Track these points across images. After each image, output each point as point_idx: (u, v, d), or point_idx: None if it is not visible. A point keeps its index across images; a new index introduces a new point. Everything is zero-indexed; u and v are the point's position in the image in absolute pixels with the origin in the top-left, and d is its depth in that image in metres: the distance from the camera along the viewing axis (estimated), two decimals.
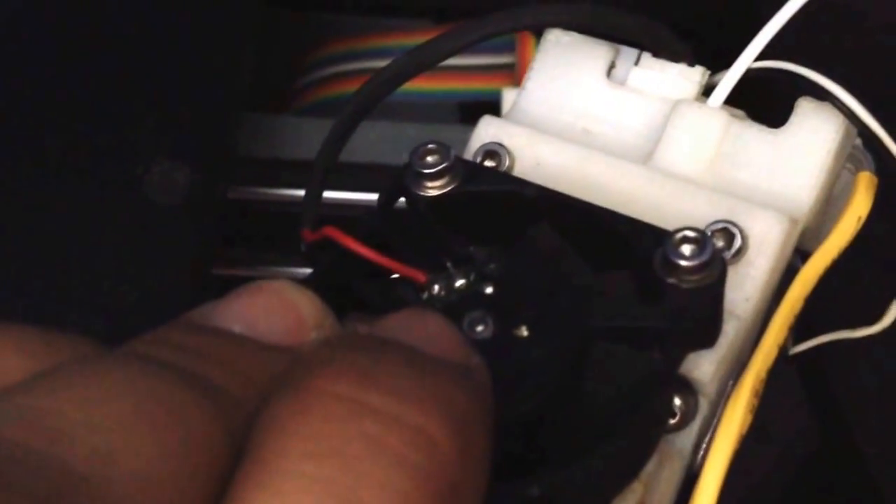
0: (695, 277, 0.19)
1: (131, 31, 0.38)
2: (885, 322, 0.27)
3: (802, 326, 0.31)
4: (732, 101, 0.26)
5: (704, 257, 0.19)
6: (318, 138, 0.25)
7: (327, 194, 0.26)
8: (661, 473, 0.21)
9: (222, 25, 0.40)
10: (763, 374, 0.22)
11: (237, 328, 0.15)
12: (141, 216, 0.35)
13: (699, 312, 0.20)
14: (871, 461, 0.35)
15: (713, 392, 0.22)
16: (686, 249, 0.19)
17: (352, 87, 0.44)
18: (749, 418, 0.22)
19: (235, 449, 0.13)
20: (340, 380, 0.13)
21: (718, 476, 0.21)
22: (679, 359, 0.20)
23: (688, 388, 0.22)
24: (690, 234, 0.20)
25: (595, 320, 0.19)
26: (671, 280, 0.19)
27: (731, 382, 0.23)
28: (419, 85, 0.45)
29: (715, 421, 0.22)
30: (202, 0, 0.40)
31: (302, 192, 0.30)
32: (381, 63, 0.44)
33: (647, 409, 0.18)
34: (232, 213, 0.42)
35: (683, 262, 0.19)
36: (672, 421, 0.22)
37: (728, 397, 0.22)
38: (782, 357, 0.30)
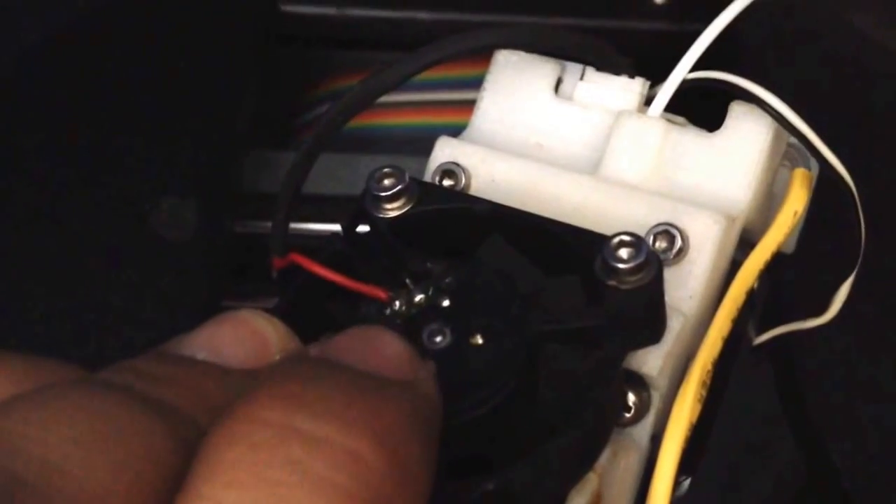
0: (633, 278, 0.21)
1: (140, 75, 0.40)
2: (831, 313, 0.28)
3: (772, 319, 0.32)
4: (680, 108, 0.28)
5: (640, 259, 0.21)
6: (321, 172, 0.26)
7: (317, 227, 0.27)
8: (618, 464, 0.22)
9: (226, 67, 0.42)
10: (709, 366, 0.23)
11: (201, 355, 0.16)
12: (150, 251, 0.37)
13: (638, 311, 0.21)
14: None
15: (664, 385, 0.23)
16: (623, 253, 0.21)
17: (354, 121, 0.46)
18: (698, 408, 0.23)
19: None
20: (269, 405, 0.14)
21: (672, 463, 0.22)
22: (621, 355, 0.21)
23: (640, 383, 0.23)
24: (626, 238, 0.21)
25: (542, 325, 0.21)
26: (611, 282, 0.21)
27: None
28: (418, 119, 0.47)
29: None
30: (206, 43, 0.42)
31: (305, 225, 0.32)
32: (387, 98, 0.46)
33: (593, 404, 0.20)
34: (239, 247, 0.43)
35: (621, 265, 0.21)
36: (627, 415, 0.23)
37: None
38: (747, 348, 0.32)
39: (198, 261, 0.35)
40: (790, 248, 0.33)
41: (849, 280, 0.28)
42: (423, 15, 0.47)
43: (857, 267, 0.27)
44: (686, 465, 0.28)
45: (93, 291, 0.34)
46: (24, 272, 0.34)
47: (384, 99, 0.44)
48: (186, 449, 0.14)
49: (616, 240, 0.21)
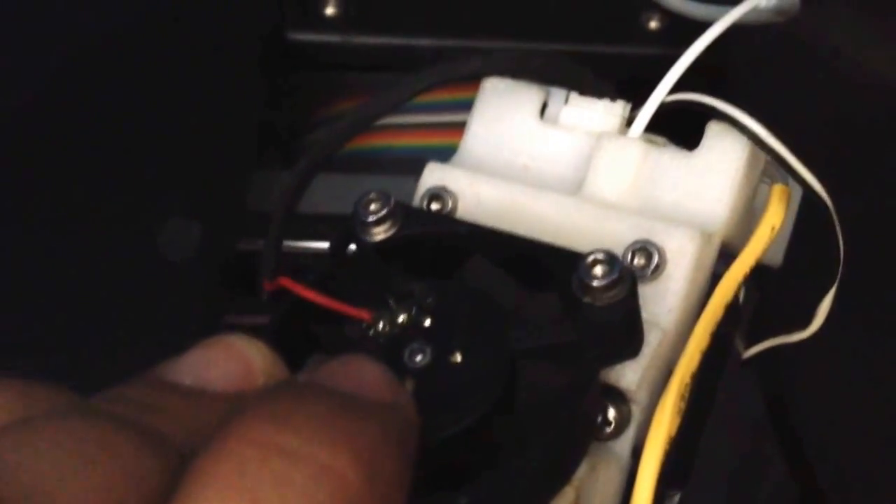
0: (607, 295, 0.22)
1: (149, 100, 0.41)
2: (815, 326, 0.29)
3: (761, 333, 0.33)
4: (662, 129, 0.29)
5: (614, 276, 0.21)
6: (324, 192, 0.27)
7: (321, 245, 0.28)
8: (597, 477, 0.23)
9: (233, 92, 0.44)
10: (688, 379, 0.24)
11: (188, 381, 0.17)
12: (156, 270, 0.38)
13: (614, 326, 0.22)
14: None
15: (644, 399, 0.24)
16: (598, 270, 0.22)
17: (357, 142, 0.47)
18: (677, 420, 0.24)
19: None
20: (256, 425, 0.15)
21: (652, 473, 0.23)
22: (596, 370, 0.22)
23: (620, 398, 0.24)
24: (601, 256, 0.22)
25: (518, 342, 0.21)
26: (587, 299, 0.22)
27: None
28: (422, 140, 0.48)
29: None
30: (214, 69, 0.43)
31: (307, 244, 0.33)
32: (393, 119, 0.47)
33: (564, 418, 0.20)
34: (243, 264, 0.44)
35: (595, 282, 0.21)
36: (608, 429, 0.24)
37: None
38: (737, 362, 0.32)
39: (202, 279, 0.37)
40: (777, 263, 0.33)
41: (830, 293, 0.28)
42: (424, 41, 0.48)
43: (836, 281, 0.28)
44: (674, 479, 0.28)
45: (98, 308, 0.35)
46: (30, 288, 0.35)
47: (390, 121, 0.45)
48: (171, 474, 0.15)
49: (591, 258, 0.22)
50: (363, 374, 0.18)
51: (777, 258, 0.33)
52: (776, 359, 0.32)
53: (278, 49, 0.47)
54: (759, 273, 0.32)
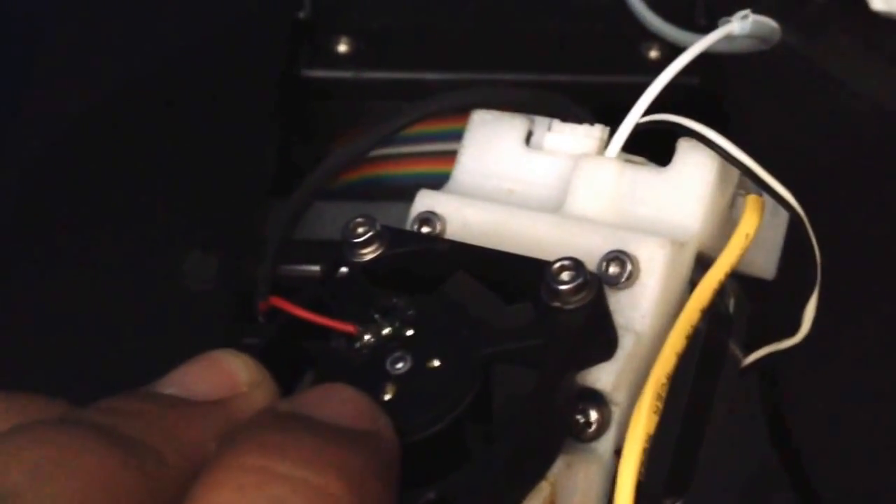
0: (575, 298, 0.23)
1: (169, 138, 0.44)
2: (803, 331, 0.30)
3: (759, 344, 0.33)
4: (645, 151, 0.30)
5: (580, 280, 0.23)
6: (339, 220, 0.28)
7: None
8: (576, 475, 0.24)
9: (249, 129, 0.46)
10: (664, 380, 0.25)
11: (170, 391, 0.19)
12: (176, 300, 0.40)
13: (583, 329, 0.23)
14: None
15: (623, 401, 0.25)
16: (564, 276, 0.23)
17: (371, 171, 0.50)
18: (655, 419, 0.24)
19: (156, 494, 0.16)
20: (250, 453, 0.17)
21: (632, 469, 0.24)
22: (564, 372, 0.23)
23: (599, 400, 0.25)
24: (567, 262, 0.23)
25: (490, 347, 0.23)
26: (555, 303, 0.23)
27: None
28: (423, 168, 0.50)
29: None
30: (231, 107, 0.46)
31: (312, 268, 0.34)
32: (400, 148, 0.49)
33: (534, 415, 0.22)
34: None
35: (563, 287, 0.23)
36: (589, 430, 0.25)
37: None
38: (735, 370, 0.33)
39: (220, 308, 0.39)
40: (771, 276, 0.34)
41: (813, 298, 0.29)
42: (430, 76, 0.51)
43: (817, 286, 0.29)
44: (673, 486, 0.29)
45: (120, 337, 0.37)
46: (54, 318, 0.38)
47: (391, 150, 0.47)
48: (145, 477, 0.17)
49: (557, 264, 0.23)
50: (345, 403, 0.19)
51: (770, 271, 0.34)
52: (771, 366, 0.33)
53: (293, 86, 0.50)
54: (754, 285, 0.33)
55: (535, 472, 0.22)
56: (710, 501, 0.30)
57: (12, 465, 0.16)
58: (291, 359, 0.25)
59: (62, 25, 0.47)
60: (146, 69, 0.44)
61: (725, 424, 0.31)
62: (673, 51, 0.34)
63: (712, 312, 0.29)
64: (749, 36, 0.32)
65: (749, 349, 0.33)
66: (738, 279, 0.32)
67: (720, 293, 0.31)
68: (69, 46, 0.47)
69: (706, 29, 0.31)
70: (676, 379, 0.26)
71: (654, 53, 0.51)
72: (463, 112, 0.32)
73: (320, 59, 0.51)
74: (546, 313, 0.23)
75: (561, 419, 0.23)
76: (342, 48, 0.51)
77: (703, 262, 0.28)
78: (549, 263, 0.23)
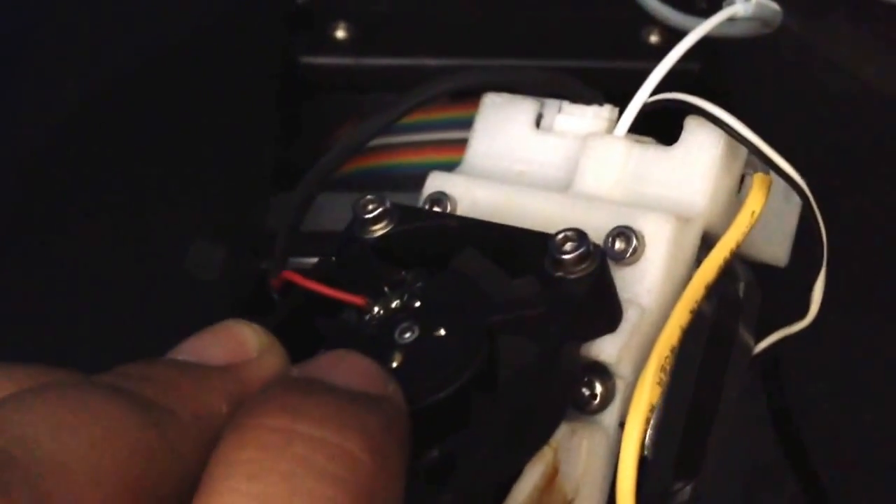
0: (578, 268, 0.23)
1: (171, 130, 0.45)
2: (812, 314, 0.30)
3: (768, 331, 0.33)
4: (653, 131, 0.30)
5: (582, 250, 0.23)
6: (342, 212, 0.29)
7: None
8: (580, 444, 0.24)
9: (250, 118, 0.47)
10: (667, 352, 0.25)
11: (182, 357, 0.20)
12: (182, 290, 0.41)
13: (586, 299, 0.23)
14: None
15: (628, 373, 0.25)
16: (567, 246, 0.23)
17: (372, 162, 0.50)
18: (658, 390, 0.25)
19: (172, 452, 0.17)
20: (272, 414, 0.17)
21: (636, 438, 0.24)
22: (566, 342, 0.23)
23: (604, 372, 0.25)
24: (570, 233, 0.23)
25: (495, 316, 0.23)
26: (559, 273, 0.23)
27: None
28: (432, 158, 0.50)
29: None
30: (230, 97, 0.46)
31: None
32: (402, 138, 0.49)
33: (535, 381, 0.22)
34: (264, 281, 0.47)
35: (565, 257, 0.23)
36: (594, 402, 0.25)
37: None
38: (746, 356, 0.33)
39: (226, 297, 0.39)
40: (783, 262, 0.34)
41: (820, 279, 0.29)
42: (430, 61, 0.51)
43: (823, 265, 0.29)
44: (683, 469, 0.29)
45: (124, 327, 0.38)
46: (60, 309, 0.38)
47: (403, 139, 0.48)
48: (163, 435, 0.17)
49: (560, 236, 0.24)
50: (354, 367, 0.20)
51: (782, 258, 0.34)
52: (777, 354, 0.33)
53: (292, 73, 0.50)
54: (765, 272, 0.33)
55: (538, 436, 0.22)
56: (716, 487, 0.30)
57: (36, 416, 0.16)
58: (302, 338, 0.25)
59: (58, 15, 0.48)
60: (144, 58, 0.44)
61: (735, 411, 0.31)
62: (673, 36, 0.34)
63: (722, 296, 0.30)
64: (751, 18, 0.32)
65: (759, 339, 0.33)
66: (750, 267, 0.32)
67: (731, 277, 0.31)
68: (67, 36, 0.47)
69: (707, 13, 0.31)
70: (682, 357, 0.26)
71: (654, 38, 0.51)
72: (474, 93, 0.32)
73: (318, 45, 0.51)
74: (550, 283, 0.23)
75: (564, 386, 0.24)
76: (340, 34, 0.51)
77: (710, 243, 0.28)
78: (552, 235, 0.24)
